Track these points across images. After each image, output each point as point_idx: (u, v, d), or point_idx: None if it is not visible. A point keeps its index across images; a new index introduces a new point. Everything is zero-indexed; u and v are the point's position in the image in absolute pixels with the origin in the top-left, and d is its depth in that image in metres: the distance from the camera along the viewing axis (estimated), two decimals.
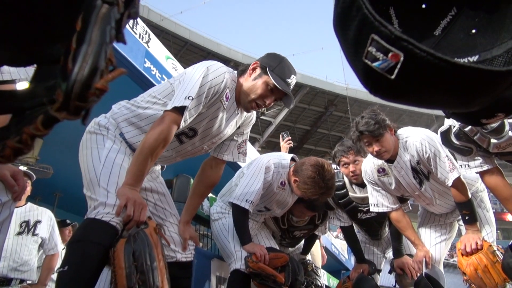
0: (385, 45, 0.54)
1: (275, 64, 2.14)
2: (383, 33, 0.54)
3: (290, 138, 3.94)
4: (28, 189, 3.73)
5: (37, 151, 4.73)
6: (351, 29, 0.58)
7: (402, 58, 0.53)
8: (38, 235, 3.95)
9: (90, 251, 1.58)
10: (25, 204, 4.06)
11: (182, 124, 1.89)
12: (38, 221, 3.99)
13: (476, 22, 0.70)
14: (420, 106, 0.66)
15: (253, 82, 2.13)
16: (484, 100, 0.58)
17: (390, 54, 0.54)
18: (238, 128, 2.36)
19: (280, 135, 4.04)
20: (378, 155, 2.72)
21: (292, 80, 2.17)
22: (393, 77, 0.55)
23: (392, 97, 0.63)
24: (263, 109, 2.25)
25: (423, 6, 0.75)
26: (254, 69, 2.17)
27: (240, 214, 2.75)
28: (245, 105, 2.17)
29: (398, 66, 0.54)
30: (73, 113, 0.47)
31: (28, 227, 3.91)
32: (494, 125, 2.03)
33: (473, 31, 0.71)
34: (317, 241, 3.99)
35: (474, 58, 0.67)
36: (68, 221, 5.21)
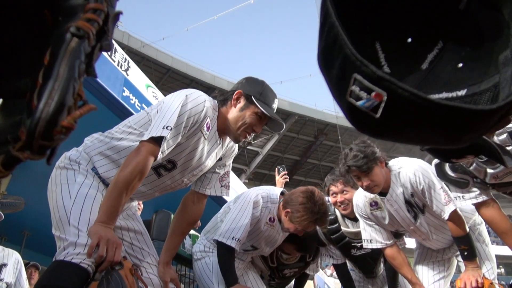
0: (367, 84, 0.55)
1: (258, 91, 2.19)
2: (365, 73, 0.55)
3: (286, 172, 3.95)
4: None
5: (5, 187, 4.64)
6: (335, 67, 0.60)
7: (385, 97, 0.55)
8: (3, 280, 3.81)
9: None
10: None
11: (160, 156, 1.88)
12: (4, 265, 3.87)
13: (462, 56, 0.73)
14: (408, 143, 0.67)
15: (241, 113, 2.15)
16: (473, 137, 0.59)
17: (373, 94, 0.55)
18: (220, 159, 2.36)
19: (276, 169, 4.05)
20: (367, 189, 2.73)
21: (276, 104, 2.26)
22: (377, 116, 0.56)
23: (378, 135, 0.65)
24: (250, 138, 2.30)
25: (409, 40, 0.77)
26: (237, 99, 2.19)
27: (225, 253, 2.71)
28: (235, 135, 2.19)
29: (382, 105, 0.55)
30: (37, 153, 0.46)
31: None
32: None
33: (460, 65, 0.73)
34: (310, 281, 3.95)
35: (463, 92, 0.69)
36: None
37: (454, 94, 0.70)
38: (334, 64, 0.59)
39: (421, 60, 0.77)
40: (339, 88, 0.61)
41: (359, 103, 0.57)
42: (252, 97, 2.15)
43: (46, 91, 0.45)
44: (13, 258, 3.97)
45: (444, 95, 0.70)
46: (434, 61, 0.76)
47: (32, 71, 0.52)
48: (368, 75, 0.55)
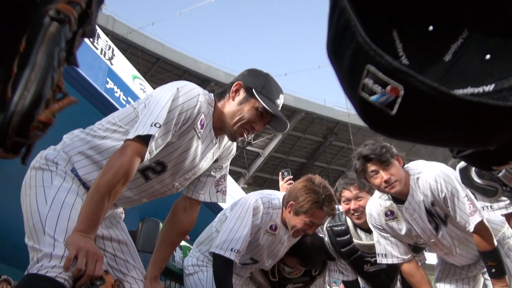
0: (382, 77, 0.55)
1: (261, 84, 2.18)
2: (380, 64, 0.55)
3: (291, 177, 3.96)
4: None
5: None
6: (345, 58, 0.60)
7: (402, 92, 0.55)
8: None
9: None
10: None
11: (147, 157, 1.88)
12: None
13: (490, 47, 0.73)
14: (427, 144, 0.67)
15: (239, 107, 2.15)
16: (502, 138, 0.59)
17: (388, 87, 0.55)
18: (216, 161, 2.36)
19: (280, 173, 4.05)
20: (388, 185, 2.72)
21: (281, 100, 2.24)
22: (393, 112, 0.56)
23: (394, 134, 0.65)
24: (250, 137, 2.29)
25: (430, 28, 0.77)
26: (236, 91, 2.19)
27: (223, 267, 2.71)
28: (232, 132, 2.18)
29: (398, 100, 0.55)
30: (10, 151, 0.47)
31: None
32: None
33: (488, 56, 0.73)
34: None
35: (490, 87, 0.69)
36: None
37: (480, 89, 0.70)
38: (345, 54, 0.59)
39: (443, 51, 0.77)
40: (350, 81, 0.61)
41: (373, 98, 0.57)
42: (253, 89, 2.16)
43: (21, 82, 0.46)
44: None
45: (469, 90, 0.70)
46: (458, 52, 0.76)
47: (5, 59, 0.52)
48: (383, 67, 0.55)
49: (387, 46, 0.75)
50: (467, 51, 0.75)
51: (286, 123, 2.24)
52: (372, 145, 2.73)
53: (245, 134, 2.20)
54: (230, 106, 2.18)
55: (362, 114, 0.63)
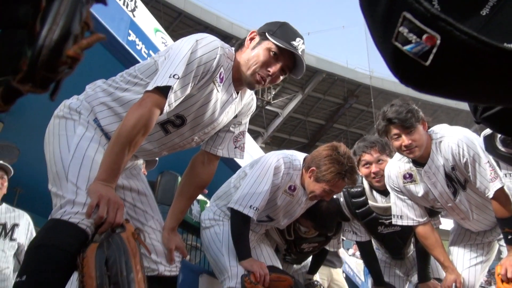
0: (419, 25, 0.53)
1: (275, 28, 2.15)
2: (417, 11, 0.53)
3: None
4: (5, 185, 3.76)
5: None
6: (380, 5, 0.58)
7: (438, 41, 0.53)
8: (16, 240, 4.01)
9: (53, 258, 1.58)
10: (0, 204, 4.11)
11: (166, 108, 1.88)
12: (16, 225, 4.06)
13: None
14: (460, 99, 0.65)
15: (253, 51, 2.13)
16: None
17: (424, 36, 0.54)
18: (236, 117, 2.36)
19: None
20: (407, 150, 2.71)
21: (299, 44, 2.15)
22: (427, 63, 0.55)
23: (426, 87, 0.63)
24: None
25: None
26: (252, 38, 2.17)
27: (240, 223, 2.75)
28: (247, 80, 2.14)
29: (434, 50, 0.54)
30: (39, 85, 0.46)
31: (5, 231, 3.97)
32: None
33: None
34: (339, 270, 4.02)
35: None
36: None
37: None
38: (380, 1, 0.57)
39: (481, 5, 0.74)
40: (384, 29, 0.59)
41: (407, 47, 0.55)
42: (266, 33, 2.13)
43: (50, 16, 0.45)
44: (24, 219, 4.20)
45: (506, 46, 0.67)
46: (497, 6, 0.73)
47: None
48: (421, 14, 0.53)
49: None
50: (506, 5, 0.72)
51: (301, 64, 2.16)
52: (399, 107, 2.68)
53: (262, 81, 2.13)
54: (245, 53, 2.16)
55: (394, 65, 0.61)
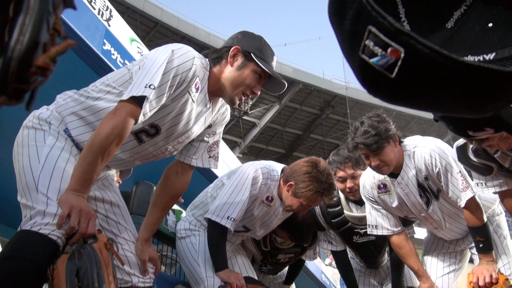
0: (383, 38, 0.55)
1: (257, 47, 2.19)
2: (382, 25, 0.55)
3: None
4: None
5: None
6: (347, 18, 0.59)
7: (403, 55, 0.55)
8: None
9: (22, 270, 1.55)
10: None
11: (141, 118, 1.87)
12: None
13: (493, 15, 0.72)
14: (425, 109, 0.67)
15: (238, 72, 2.15)
16: (498, 105, 0.59)
17: (389, 50, 0.55)
18: (210, 126, 2.36)
19: None
20: (376, 170, 2.76)
21: (275, 62, 2.28)
22: (393, 75, 0.56)
23: (392, 98, 0.65)
24: (247, 107, 2.32)
25: None
26: (234, 56, 2.18)
27: (218, 234, 2.73)
28: (231, 97, 2.18)
29: (399, 63, 0.55)
30: (13, 97, 0.46)
31: None
32: None
33: (490, 24, 0.73)
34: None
35: (491, 56, 0.69)
36: None
37: (480, 57, 0.70)
38: (347, 15, 0.59)
39: (446, 18, 0.76)
40: (351, 43, 0.60)
41: (373, 60, 0.57)
42: (251, 54, 2.15)
43: (16, 26, 0.45)
44: None
45: (470, 58, 0.70)
46: (461, 19, 0.75)
47: (1, 4, 0.51)
48: (385, 28, 0.55)
49: (390, 10, 0.74)
50: (470, 19, 0.75)
51: (283, 83, 2.25)
52: (367, 127, 2.69)
53: (243, 98, 2.23)
54: (228, 71, 2.17)
55: (361, 77, 0.63)
